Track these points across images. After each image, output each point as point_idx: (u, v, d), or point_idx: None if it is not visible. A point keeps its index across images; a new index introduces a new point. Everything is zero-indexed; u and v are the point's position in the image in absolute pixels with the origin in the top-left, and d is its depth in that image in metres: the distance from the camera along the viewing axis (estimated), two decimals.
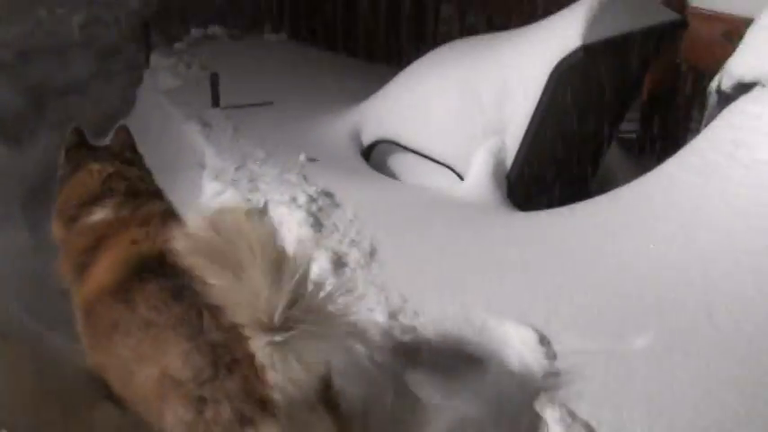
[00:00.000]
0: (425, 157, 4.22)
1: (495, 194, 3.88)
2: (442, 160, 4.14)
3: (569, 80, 3.67)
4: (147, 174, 2.80)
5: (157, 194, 2.68)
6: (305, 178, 3.93)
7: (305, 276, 1.76)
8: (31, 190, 4.70)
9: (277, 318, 1.71)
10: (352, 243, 3.26)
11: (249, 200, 3.63)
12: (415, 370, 2.56)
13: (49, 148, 4.66)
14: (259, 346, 1.75)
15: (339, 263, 3.11)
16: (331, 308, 1.79)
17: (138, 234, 2.33)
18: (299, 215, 3.41)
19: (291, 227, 3.37)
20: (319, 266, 3.06)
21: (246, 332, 1.76)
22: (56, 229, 2.61)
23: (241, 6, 8.49)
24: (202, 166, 4.31)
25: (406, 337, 2.70)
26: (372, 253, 3.20)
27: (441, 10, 6.45)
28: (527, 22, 4.11)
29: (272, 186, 3.78)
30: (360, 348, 2.62)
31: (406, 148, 4.32)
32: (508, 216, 3.73)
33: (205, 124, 4.58)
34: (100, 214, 2.45)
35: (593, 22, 3.63)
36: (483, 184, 3.90)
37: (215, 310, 1.84)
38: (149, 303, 2.06)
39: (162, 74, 5.62)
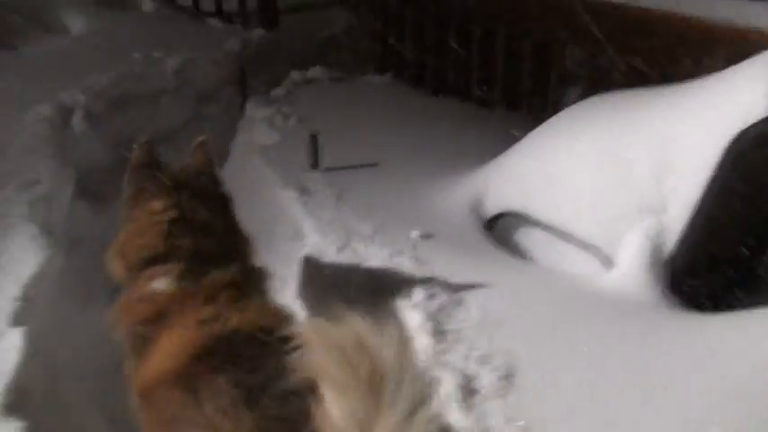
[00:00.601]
0: (561, 235, 3.62)
1: (653, 287, 3.23)
2: (582, 240, 3.53)
3: (753, 154, 3.01)
4: (223, 207, 2.57)
5: (231, 241, 2.46)
6: (419, 262, 3.40)
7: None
8: None
9: None
10: (483, 360, 2.69)
11: None
12: None
13: None
14: None
15: (468, 388, 2.55)
16: None
17: (205, 313, 2.10)
18: (417, 318, 2.88)
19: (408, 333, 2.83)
20: (444, 392, 2.52)
21: None
22: (113, 266, 2.42)
23: (343, 47, 8.14)
24: (300, 238, 3.86)
25: None
26: (509, 375, 2.62)
27: (567, 51, 5.84)
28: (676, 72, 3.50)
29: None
30: None
31: (536, 224, 3.73)
32: (672, 317, 3.09)
33: (303, 191, 4.13)
34: (161, 283, 2.24)
35: None
36: (637, 274, 3.26)
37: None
38: (217, 403, 1.80)
39: (258, 126, 5.24)
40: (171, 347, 2.04)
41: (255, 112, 5.56)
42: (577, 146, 3.67)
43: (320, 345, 1.56)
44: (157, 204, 2.40)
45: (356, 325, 1.57)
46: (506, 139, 4.63)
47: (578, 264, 3.52)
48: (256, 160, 4.73)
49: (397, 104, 6.02)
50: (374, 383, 1.50)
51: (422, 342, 2.75)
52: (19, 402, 2.48)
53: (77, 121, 5.36)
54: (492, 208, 3.97)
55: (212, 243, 2.38)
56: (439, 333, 2.82)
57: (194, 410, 1.84)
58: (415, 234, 3.67)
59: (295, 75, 6.71)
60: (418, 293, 3.06)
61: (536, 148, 3.94)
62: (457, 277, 3.28)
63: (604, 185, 3.48)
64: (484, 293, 3.19)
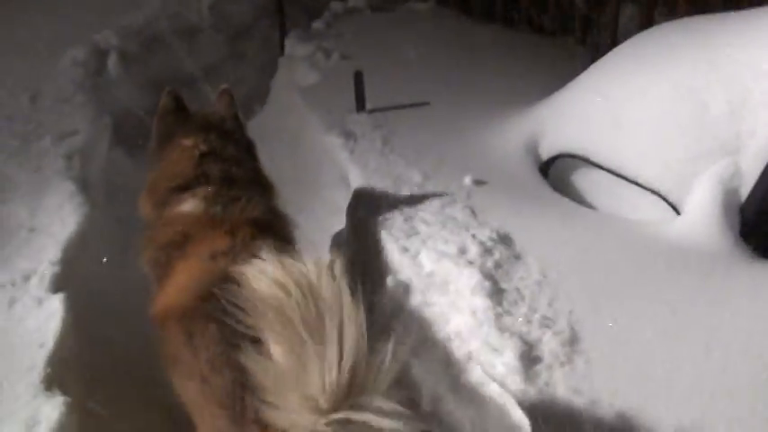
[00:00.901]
0: (625, 179, 3.40)
1: (725, 235, 3.01)
2: (648, 185, 3.31)
3: None
4: (247, 151, 2.68)
5: (256, 181, 2.55)
6: (473, 214, 3.23)
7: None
8: None
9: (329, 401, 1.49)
10: (545, 322, 2.55)
11: (406, 249, 2.97)
12: None
13: None
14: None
15: (529, 357, 2.41)
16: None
17: (220, 245, 2.14)
18: (473, 277, 2.72)
19: (463, 293, 2.69)
20: (503, 362, 2.39)
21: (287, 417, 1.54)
22: (143, 207, 2.53)
23: None
24: (346, 186, 3.72)
25: None
26: (573, 340, 2.47)
27: None
28: None
29: (434, 229, 3.11)
30: None
31: (597, 166, 3.52)
32: (746, 268, 2.89)
33: (349, 135, 3.96)
34: (189, 205, 2.34)
35: None
36: (709, 221, 3.05)
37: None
38: (207, 354, 1.86)
39: (298, 65, 5.05)
40: (182, 281, 2.09)
41: (295, 48, 5.36)
42: (643, 81, 3.42)
43: (264, 282, 1.60)
44: (187, 141, 2.51)
45: (300, 266, 1.62)
46: (561, 71, 4.38)
47: (643, 210, 3.32)
48: (298, 102, 4.55)
49: (443, 34, 5.74)
50: (313, 321, 1.54)
51: (477, 303, 2.61)
52: (61, 375, 2.42)
53: (112, 64, 5.23)
54: (549, 149, 3.75)
55: (240, 174, 2.48)
56: (496, 293, 2.66)
57: (190, 355, 1.90)
58: (467, 180, 3.50)
59: (335, 5, 6.46)
60: (473, 248, 2.90)
61: (597, 84, 3.68)
62: (513, 228, 3.11)
63: (674, 124, 3.24)
64: (543, 245, 3.03)
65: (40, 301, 2.76)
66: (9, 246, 3.16)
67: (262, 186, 2.57)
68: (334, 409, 1.50)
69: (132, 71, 5.35)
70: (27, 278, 2.89)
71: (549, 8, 6.10)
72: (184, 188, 2.40)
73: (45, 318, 2.66)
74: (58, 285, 2.85)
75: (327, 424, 1.50)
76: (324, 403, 1.50)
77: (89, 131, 4.12)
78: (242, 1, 6.78)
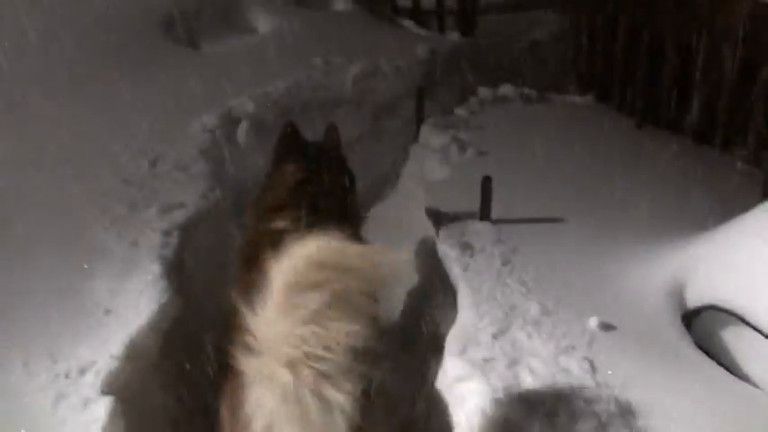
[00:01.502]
0: None
1: None
2: None
3: None
4: (344, 182, 3.04)
5: (344, 212, 2.89)
6: (592, 369, 2.76)
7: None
8: None
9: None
10: None
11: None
12: None
13: None
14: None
15: None
16: None
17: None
18: None
19: None
20: None
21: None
22: (247, 213, 3.01)
23: (544, 58, 7.48)
24: (453, 307, 3.35)
25: None
26: None
27: None
28: None
29: (541, 379, 2.66)
30: None
31: (756, 330, 2.95)
32: None
33: (465, 247, 3.58)
34: (278, 224, 2.73)
35: None
36: None
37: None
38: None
39: (429, 157, 4.76)
40: (254, 277, 2.25)
41: (430, 136, 5.08)
42: None
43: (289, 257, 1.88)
44: (290, 167, 2.92)
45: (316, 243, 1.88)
46: (727, 196, 3.85)
47: None
48: (421, 198, 4.24)
49: (595, 136, 5.29)
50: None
51: None
52: None
53: (242, 132, 5.14)
54: (697, 297, 3.22)
55: (330, 205, 2.84)
56: None
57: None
58: (593, 323, 3.03)
59: (483, 91, 6.18)
60: (585, 420, 2.43)
61: (762, 228, 3.14)
62: (640, 394, 2.62)
63: None
64: (674, 420, 2.51)
65: (86, 403, 2.55)
66: (81, 327, 3.00)
67: (348, 217, 2.90)
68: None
69: (262, 141, 5.23)
70: (83, 371, 2.70)
71: (718, 116, 5.53)
72: (278, 209, 2.79)
73: (85, 424, 2.44)
74: (110, 385, 2.63)
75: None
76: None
77: (196, 206, 3.96)
78: (389, 77, 6.61)
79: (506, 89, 6.21)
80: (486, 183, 3.77)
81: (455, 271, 3.45)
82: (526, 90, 6.29)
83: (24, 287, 3.21)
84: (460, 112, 5.66)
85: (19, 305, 3.07)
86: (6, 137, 4.59)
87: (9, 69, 5.17)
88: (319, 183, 2.87)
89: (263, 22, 7.38)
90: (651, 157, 5.05)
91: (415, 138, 5.31)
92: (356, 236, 2.78)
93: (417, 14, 9.09)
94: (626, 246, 3.65)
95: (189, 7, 6.68)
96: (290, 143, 3.03)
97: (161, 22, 6.30)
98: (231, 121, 5.20)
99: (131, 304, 3.11)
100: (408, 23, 8.87)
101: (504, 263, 3.48)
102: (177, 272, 3.42)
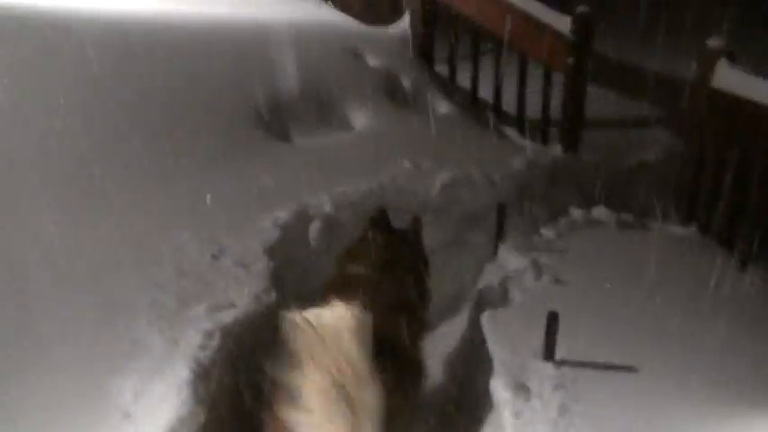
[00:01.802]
0: None
1: None
2: None
3: None
4: (418, 262, 3.93)
5: (398, 281, 3.55)
6: None
7: None
8: None
9: None
10: None
11: None
12: None
13: None
14: None
15: None
16: None
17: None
18: None
19: None
20: None
21: None
22: (335, 262, 3.85)
23: (648, 181, 7.08)
24: None
25: None
26: None
27: None
28: None
29: None
30: None
31: None
32: None
33: (520, 389, 3.27)
34: (353, 269, 3.63)
35: None
36: None
37: None
38: None
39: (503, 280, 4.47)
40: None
41: (509, 257, 4.80)
42: None
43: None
44: (377, 234, 3.73)
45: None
46: None
47: None
48: (484, 326, 3.95)
49: (690, 274, 4.85)
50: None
51: None
52: None
53: (314, 232, 5.03)
54: None
55: (389, 266, 3.63)
56: None
57: None
58: None
59: (575, 212, 5.85)
60: None
61: None
62: None
63: None
64: None
65: None
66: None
67: (418, 293, 3.72)
68: None
69: (333, 242, 5.10)
70: None
71: None
72: (354, 259, 3.65)
73: None
74: None
75: None
76: None
77: (246, 307, 3.83)
78: (479, 188, 6.40)
79: (600, 211, 5.86)
80: (552, 320, 3.46)
81: (505, 414, 3.14)
82: (623, 214, 5.92)
83: (45, 382, 3.11)
84: (546, 232, 5.36)
85: (30, 403, 2.97)
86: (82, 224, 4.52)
87: (102, 153, 5.15)
88: (399, 252, 3.69)
89: (360, 120, 7.35)
90: (755, 307, 4.58)
91: (494, 256, 5.05)
92: (420, 318, 3.59)
93: (521, 123, 8.88)
94: (708, 412, 3.24)
95: (286, 99, 6.72)
96: (378, 222, 3.78)
97: (255, 113, 6.34)
98: (305, 219, 5.10)
99: (151, 411, 2.97)
100: (511, 132, 8.66)
101: (561, 412, 3.13)
102: (207, 379, 3.26)
